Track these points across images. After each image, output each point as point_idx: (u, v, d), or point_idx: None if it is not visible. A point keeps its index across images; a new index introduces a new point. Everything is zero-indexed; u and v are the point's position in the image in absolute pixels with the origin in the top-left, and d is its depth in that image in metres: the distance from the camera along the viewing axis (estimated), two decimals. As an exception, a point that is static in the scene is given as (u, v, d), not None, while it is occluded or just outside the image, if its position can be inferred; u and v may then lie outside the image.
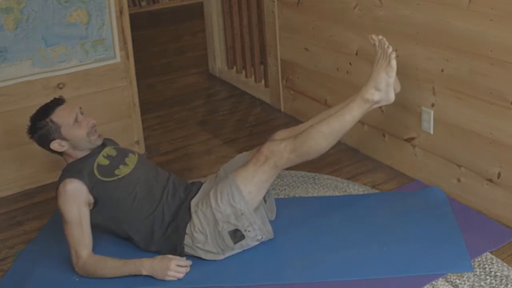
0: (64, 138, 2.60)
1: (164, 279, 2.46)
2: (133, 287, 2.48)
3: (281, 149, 2.55)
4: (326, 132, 2.58)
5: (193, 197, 2.67)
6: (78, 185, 2.55)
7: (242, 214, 2.52)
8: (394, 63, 2.59)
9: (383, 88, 2.60)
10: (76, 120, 2.60)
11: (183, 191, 2.72)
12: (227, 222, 2.52)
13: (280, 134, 2.81)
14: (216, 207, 2.52)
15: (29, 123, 2.63)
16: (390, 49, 2.59)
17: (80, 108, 2.67)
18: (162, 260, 2.49)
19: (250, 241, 2.58)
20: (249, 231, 2.54)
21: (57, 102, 2.65)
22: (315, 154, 2.62)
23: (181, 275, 2.47)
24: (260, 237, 2.60)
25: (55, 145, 2.61)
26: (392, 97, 2.63)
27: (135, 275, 2.48)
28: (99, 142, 2.69)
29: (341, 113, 2.61)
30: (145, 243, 2.64)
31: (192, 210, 2.58)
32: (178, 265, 2.48)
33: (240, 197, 2.52)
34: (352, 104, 2.62)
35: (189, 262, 2.52)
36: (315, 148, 2.58)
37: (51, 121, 2.59)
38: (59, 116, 2.60)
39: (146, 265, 2.47)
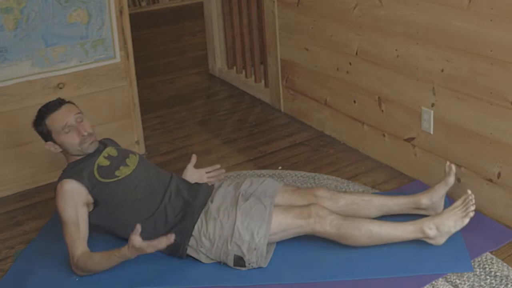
0: (55, 142, 2.61)
1: (146, 252, 2.37)
2: (133, 286, 2.48)
3: (327, 220, 2.56)
4: (374, 233, 2.57)
5: (204, 199, 2.66)
6: (76, 186, 2.55)
7: (255, 249, 2.51)
8: (467, 221, 2.59)
9: (443, 232, 2.59)
10: (65, 128, 2.58)
11: (187, 192, 2.71)
12: (238, 246, 2.51)
13: (321, 191, 2.78)
14: (239, 227, 2.51)
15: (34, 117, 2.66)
16: (473, 208, 2.58)
17: (79, 114, 2.64)
18: (135, 236, 2.35)
19: (246, 269, 2.56)
20: (251, 266, 2.54)
21: (55, 105, 2.63)
22: (350, 243, 2.60)
23: (163, 244, 2.37)
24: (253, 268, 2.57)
25: (49, 145, 2.63)
26: (442, 243, 2.60)
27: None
28: (91, 150, 2.66)
29: (395, 226, 2.60)
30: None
31: (212, 215, 2.56)
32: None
33: (265, 234, 2.51)
34: (409, 226, 2.60)
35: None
36: (355, 239, 2.58)
37: (44, 124, 2.61)
38: (52, 121, 2.60)
39: (125, 249, 2.39)
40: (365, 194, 2.84)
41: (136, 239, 2.33)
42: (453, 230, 2.58)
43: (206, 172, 2.94)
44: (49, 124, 2.60)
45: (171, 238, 2.37)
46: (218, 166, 2.96)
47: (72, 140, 2.60)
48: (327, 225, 2.56)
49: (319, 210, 2.58)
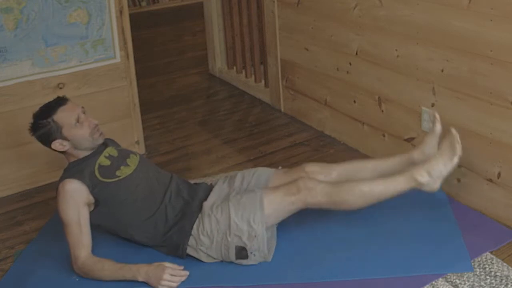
0: (65, 138, 2.60)
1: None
2: (133, 287, 2.48)
3: (317, 190, 2.56)
4: (366, 192, 2.58)
5: (202, 199, 2.67)
6: (78, 185, 2.55)
7: (255, 236, 2.51)
8: (456, 160, 2.61)
9: (435, 176, 2.61)
10: (78, 121, 2.60)
11: (187, 192, 2.72)
12: (238, 236, 2.51)
13: (311, 166, 2.79)
14: (234, 219, 2.51)
15: (31, 121, 2.63)
16: (460, 148, 2.60)
17: (83, 107, 2.66)
18: (157, 268, 2.45)
19: (249, 262, 2.56)
20: (254, 255, 2.53)
21: (60, 101, 2.64)
22: (345, 208, 2.61)
23: (174, 285, 2.44)
24: (257, 263, 2.57)
25: (56, 144, 2.61)
26: (437, 187, 2.63)
27: (131, 281, 2.46)
28: (101, 141, 2.68)
29: (387, 182, 2.61)
30: (147, 242, 2.65)
31: (206, 213, 2.57)
32: (172, 274, 2.45)
33: (261, 220, 2.51)
34: (400, 178, 2.61)
35: (185, 273, 2.48)
36: (349, 203, 2.58)
37: (53, 121, 2.59)
38: (61, 116, 2.60)
39: (142, 272, 2.44)
40: (356, 160, 2.83)
41: (175, 272, 2.44)
42: (445, 173, 2.60)
43: None
44: (58, 120, 2.59)
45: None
46: None
47: (84, 132, 2.61)
48: (318, 195, 2.55)
49: (307, 182, 2.57)
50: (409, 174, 2.60)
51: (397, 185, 2.60)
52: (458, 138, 2.63)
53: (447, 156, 2.62)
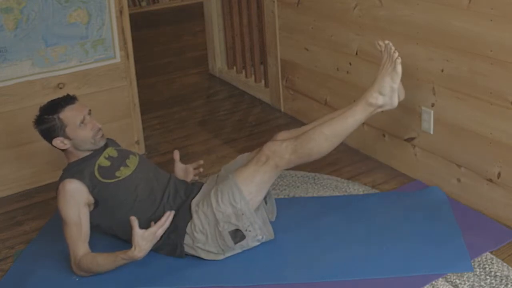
0: (67, 137, 2.61)
1: (156, 235, 2.39)
2: (133, 287, 2.48)
3: (282, 149, 2.55)
4: (328, 133, 2.58)
5: (194, 197, 2.67)
6: (78, 185, 2.55)
7: (242, 214, 2.52)
8: (399, 68, 2.59)
9: (387, 93, 2.61)
10: (83, 122, 2.60)
11: (184, 192, 2.72)
12: (228, 222, 2.52)
13: (282, 135, 2.80)
14: (217, 207, 2.52)
15: (37, 113, 2.63)
16: (396, 54, 2.59)
17: (89, 110, 2.66)
18: (134, 243, 2.37)
19: (250, 242, 2.58)
20: (249, 231, 2.54)
21: (69, 100, 2.64)
22: (316, 156, 2.62)
23: (160, 230, 2.39)
24: (260, 237, 2.60)
25: (57, 142, 2.61)
26: (395, 102, 2.64)
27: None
28: (102, 144, 2.68)
29: (344, 116, 2.62)
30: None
31: (193, 210, 2.58)
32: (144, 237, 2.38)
33: (241, 197, 2.52)
34: (356, 108, 2.62)
35: (155, 229, 2.39)
36: (316, 149, 2.58)
37: (59, 118, 2.59)
38: (68, 115, 2.59)
39: (129, 253, 2.38)
40: (324, 118, 2.78)
41: (139, 231, 2.35)
42: (395, 85, 2.60)
43: (194, 169, 2.97)
44: (64, 118, 2.59)
45: (170, 215, 2.41)
46: (201, 162, 2.98)
47: (87, 133, 2.61)
48: (284, 154, 2.54)
49: (271, 146, 2.57)
50: (363, 101, 2.60)
51: (355, 115, 2.60)
52: (392, 45, 2.60)
53: (389, 69, 2.59)
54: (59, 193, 2.56)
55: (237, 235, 2.54)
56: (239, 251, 2.59)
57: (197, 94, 4.64)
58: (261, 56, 4.46)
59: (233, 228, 2.53)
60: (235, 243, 2.55)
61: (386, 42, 2.63)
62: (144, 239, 2.36)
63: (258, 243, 2.62)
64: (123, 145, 2.96)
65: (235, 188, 2.54)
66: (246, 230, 2.54)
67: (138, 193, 2.63)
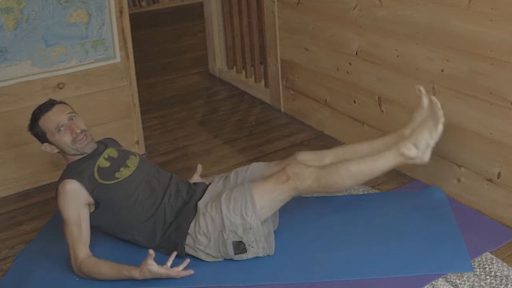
0: (51, 143, 2.61)
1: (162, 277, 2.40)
2: (133, 287, 2.48)
3: (306, 174, 2.54)
4: (354, 172, 2.57)
5: (198, 198, 2.66)
6: (77, 186, 2.55)
7: (250, 228, 2.50)
8: (441, 127, 2.59)
9: (422, 147, 2.60)
10: (58, 128, 2.58)
11: (186, 192, 2.71)
12: (234, 232, 2.51)
13: (303, 155, 2.78)
14: (226, 214, 2.50)
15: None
16: (441, 113, 2.58)
17: (71, 113, 2.63)
18: (145, 265, 2.37)
19: (250, 255, 2.57)
20: (252, 247, 2.53)
21: (47, 106, 2.63)
22: (336, 190, 2.61)
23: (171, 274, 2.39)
24: (261, 254, 2.58)
25: (46, 147, 2.63)
26: (427, 158, 2.62)
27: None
28: (88, 150, 2.65)
29: (374, 159, 2.60)
30: (147, 243, 2.64)
31: (200, 211, 2.57)
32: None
33: (253, 211, 2.50)
34: (387, 154, 2.61)
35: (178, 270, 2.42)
36: (339, 184, 2.58)
37: (38, 126, 2.61)
38: (45, 122, 2.60)
39: (135, 273, 2.39)
40: (349, 144, 2.79)
41: (152, 265, 2.35)
42: (432, 142, 2.59)
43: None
44: (42, 125, 2.60)
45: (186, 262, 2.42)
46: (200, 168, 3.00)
47: (65, 139, 2.59)
48: (307, 180, 2.53)
49: (295, 167, 2.55)
50: (396, 149, 2.59)
51: (385, 161, 2.59)
52: (439, 105, 2.59)
53: (431, 125, 2.59)
54: (59, 193, 2.56)
55: (240, 247, 2.53)
56: (237, 260, 2.58)
57: (197, 94, 4.64)
58: (261, 56, 4.46)
59: (237, 239, 2.51)
60: (235, 253, 2.54)
61: (434, 98, 2.60)
62: (150, 272, 2.37)
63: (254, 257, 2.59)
64: (123, 145, 2.96)
65: (250, 201, 2.51)
66: (249, 245, 2.52)
67: (139, 194, 2.62)
